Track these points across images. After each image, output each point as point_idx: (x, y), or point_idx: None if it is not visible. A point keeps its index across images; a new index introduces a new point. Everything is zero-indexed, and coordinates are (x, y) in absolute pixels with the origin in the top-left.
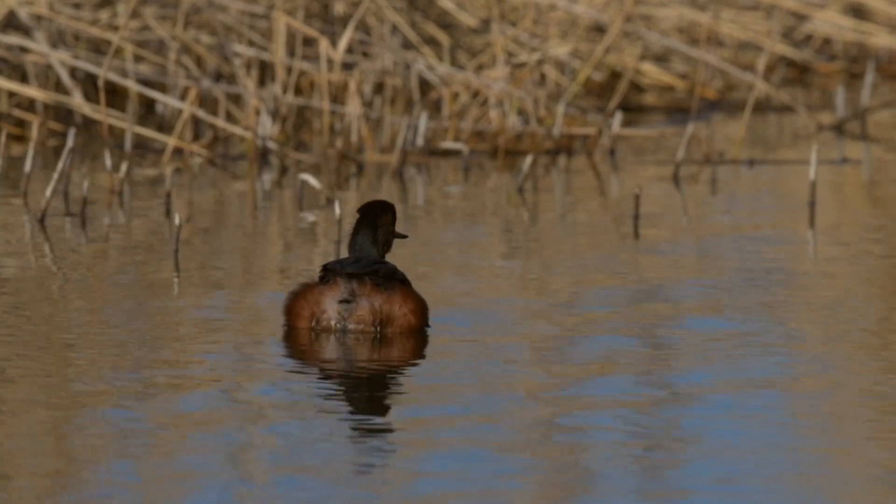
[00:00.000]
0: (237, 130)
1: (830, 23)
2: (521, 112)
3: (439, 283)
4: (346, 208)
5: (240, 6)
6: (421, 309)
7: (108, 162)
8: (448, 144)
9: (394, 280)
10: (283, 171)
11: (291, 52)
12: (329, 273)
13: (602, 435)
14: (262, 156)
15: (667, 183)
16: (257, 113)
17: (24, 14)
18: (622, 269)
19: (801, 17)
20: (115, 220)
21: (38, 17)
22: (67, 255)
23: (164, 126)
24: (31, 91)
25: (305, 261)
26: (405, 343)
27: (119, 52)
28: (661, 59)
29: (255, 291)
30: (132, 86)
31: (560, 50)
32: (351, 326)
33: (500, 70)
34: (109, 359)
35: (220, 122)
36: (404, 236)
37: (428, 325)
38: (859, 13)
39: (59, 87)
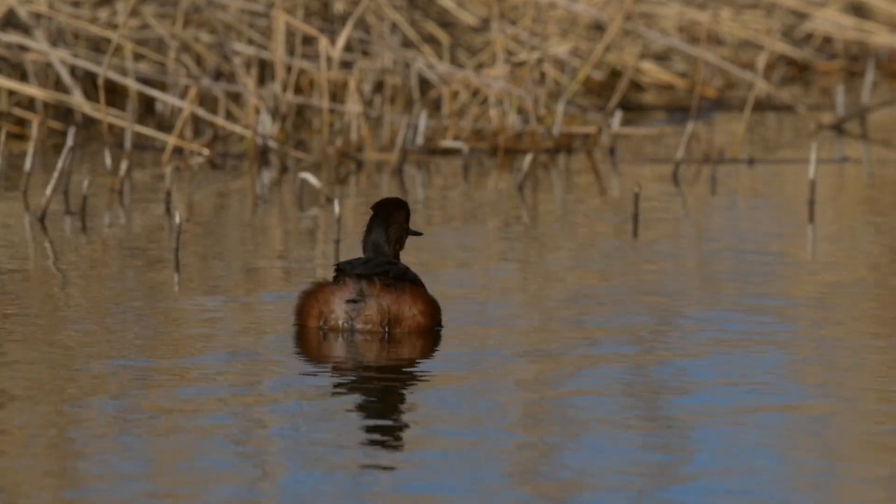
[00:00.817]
0: (237, 129)
1: (830, 21)
2: (521, 111)
3: (439, 282)
4: (345, 207)
5: (239, 5)
6: (431, 310)
7: (108, 161)
8: (448, 143)
9: (404, 280)
10: (283, 169)
11: (291, 51)
12: (340, 273)
13: (602, 432)
14: (262, 154)
15: (666, 182)
16: (257, 111)
17: (23, 12)
18: (621, 268)
19: (801, 16)
20: (115, 219)
21: (38, 16)
22: (67, 253)
23: (164, 125)
24: (31, 90)
25: (305, 259)
26: (408, 343)
27: (119, 50)
28: (661, 57)
29: (255, 290)
30: (132, 84)
31: (560, 49)
32: (359, 326)
33: (499, 69)
34: (109, 358)
35: (220, 121)
36: (418, 233)
37: (440, 326)
38: (859, 12)
39: (58, 85)
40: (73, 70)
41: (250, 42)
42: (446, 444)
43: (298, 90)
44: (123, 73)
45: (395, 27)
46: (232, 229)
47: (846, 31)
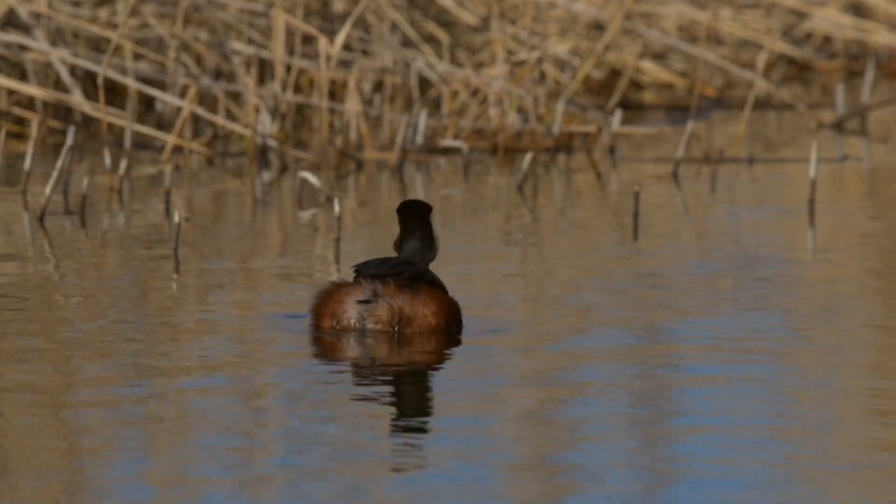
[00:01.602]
0: (236, 128)
1: (830, 21)
2: (521, 110)
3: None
4: (345, 206)
5: (239, 4)
6: (444, 311)
7: (108, 160)
8: (447, 142)
9: (420, 281)
10: (283, 169)
11: (291, 50)
12: (357, 273)
13: (604, 430)
14: (262, 154)
15: (666, 181)
16: (257, 111)
17: (23, 12)
18: (621, 267)
19: (800, 15)
20: (115, 218)
21: (38, 15)
22: (67, 252)
23: (164, 124)
24: (31, 89)
25: (305, 259)
26: (417, 343)
27: (118, 49)
28: (661, 56)
29: (254, 289)
30: (132, 84)
31: (560, 48)
32: (369, 326)
33: (499, 68)
34: (109, 357)
35: (220, 120)
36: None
37: (458, 327)
38: (859, 11)
39: (58, 84)
40: (72, 69)
41: (250, 41)
42: (447, 444)
43: (298, 89)
44: (123, 72)
45: (394, 26)
46: (231, 228)
47: (846, 31)
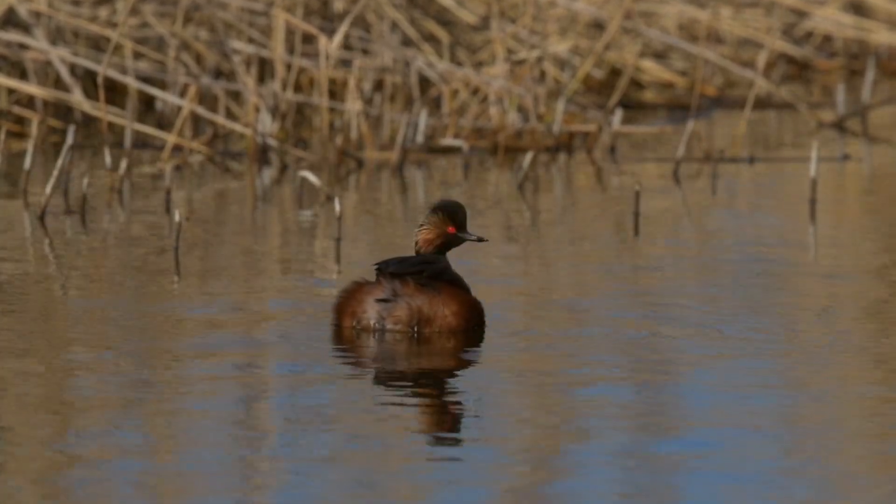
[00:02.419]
0: (237, 127)
1: (831, 20)
2: (521, 109)
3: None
4: (345, 205)
5: (239, 3)
6: (465, 311)
7: (108, 159)
8: (448, 141)
9: (440, 280)
10: (283, 168)
11: (291, 49)
12: (378, 272)
13: (604, 429)
14: (262, 153)
15: (667, 180)
16: (257, 110)
17: (23, 11)
18: (622, 267)
19: (801, 14)
20: (115, 217)
21: (38, 14)
22: (67, 251)
23: (164, 123)
24: (31, 88)
25: (305, 258)
26: (435, 343)
27: (118, 49)
28: (661, 56)
29: (254, 288)
30: (132, 83)
31: (560, 47)
32: (389, 326)
33: (499, 67)
34: (109, 356)
35: (220, 119)
36: (478, 239)
37: (480, 326)
38: (859, 10)
39: (58, 84)
40: (72, 68)
41: (250, 40)
42: (449, 445)
43: (298, 88)
44: (123, 71)
45: (395, 26)
46: (232, 228)
47: (846, 30)
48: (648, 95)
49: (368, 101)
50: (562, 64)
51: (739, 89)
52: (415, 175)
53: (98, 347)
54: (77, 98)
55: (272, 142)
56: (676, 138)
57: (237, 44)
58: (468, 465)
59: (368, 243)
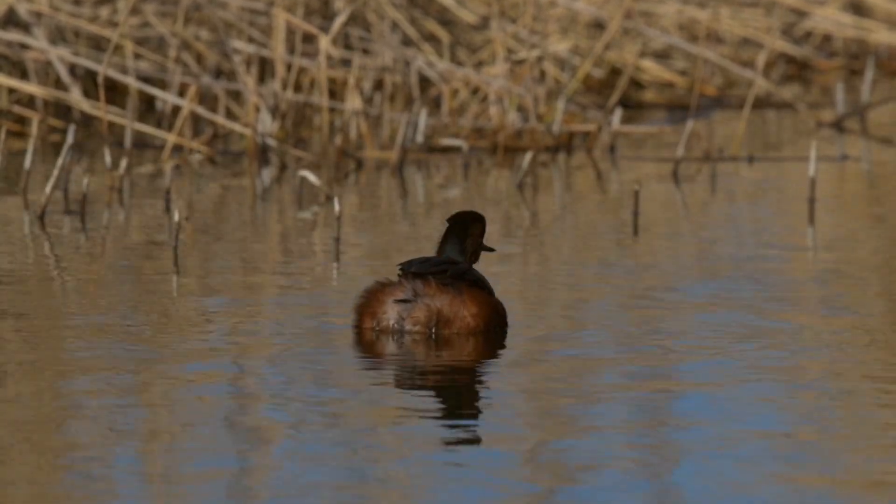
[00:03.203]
0: (237, 127)
1: (830, 19)
2: (521, 109)
3: None
4: (345, 205)
5: (239, 3)
6: (485, 312)
7: (108, 158)
8: (448, 141)
9: (462, 280)
10: (283, 167)
11: (291, 49)
12: (401, 272)
13: (605, 429)
14: (262, 152)
15: (666, 180)
16: (257, 110)
17: (23, 11)
18: (621, 266)
19: (800, 14)
20: (115, 217)
21: (38, 14)
22: (67, 251)
23: (164, 123)
24: (31, 88)
25: (305, 258)
26: (453, 344)
27: (119, 48)
28: (661, 55)
29: (254, 288)
30: (132, 82)
31: (560, 47)
32: (408, 327)
33: (499, 67)
34: (109, 356)
35: (220, 119)
36: (491, 249)
37: (502, 329)
38: (859, 10)
39: (58, 83)
40: (73, 68)
41: (250, 40)
42: (449, 445)
43: (298, 88)
44: (123, 71)
45: (395, 25)
46: (231, 227)
47: (846, 29)
48: (648, 95)
49: (368, 101)
50: (562, 64)
51: (739, 89)
52: (414, 175)
53: (97, 346)
54: (77, 98)
55: (272, 141)
56: (676, 138)
57: (237, 43)
58: (475, 467)
59: (368, 243)
